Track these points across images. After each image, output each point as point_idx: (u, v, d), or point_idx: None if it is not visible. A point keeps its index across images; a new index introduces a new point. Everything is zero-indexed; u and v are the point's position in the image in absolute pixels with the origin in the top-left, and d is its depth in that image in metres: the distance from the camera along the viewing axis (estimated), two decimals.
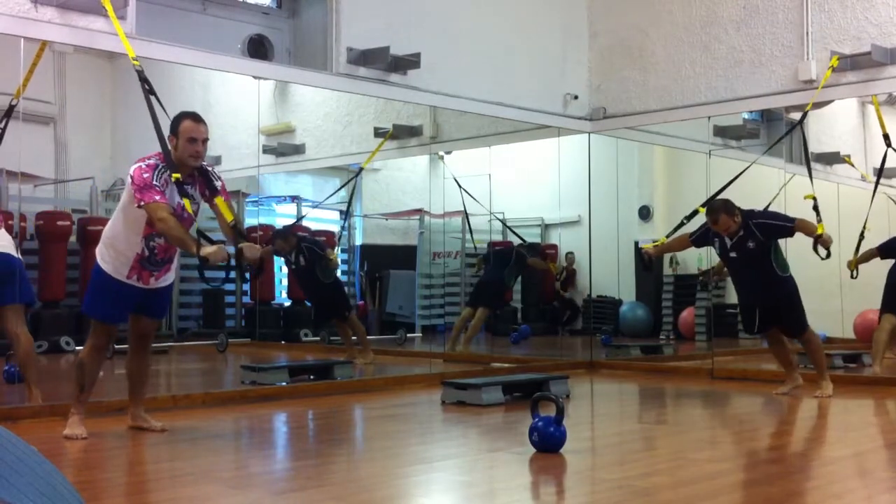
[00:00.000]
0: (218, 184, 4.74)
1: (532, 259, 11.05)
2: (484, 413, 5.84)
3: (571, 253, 12.03)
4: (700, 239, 6.80)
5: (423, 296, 12.04)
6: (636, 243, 11.96)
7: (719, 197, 6.76)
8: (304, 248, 8.85)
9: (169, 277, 4.90)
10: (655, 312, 11.98)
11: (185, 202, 4.55)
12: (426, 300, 12.07)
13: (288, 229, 8.98)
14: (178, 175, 4.51)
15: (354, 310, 10.05)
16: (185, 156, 4.58)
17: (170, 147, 4.61)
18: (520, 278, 11.52)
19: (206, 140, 4.64)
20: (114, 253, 4.71)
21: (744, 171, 7.17)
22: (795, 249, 6.90)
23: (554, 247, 12.36)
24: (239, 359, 9.30)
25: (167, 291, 4.99)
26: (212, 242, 4.51)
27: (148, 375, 5.13)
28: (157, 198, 4.42)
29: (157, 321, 5.12)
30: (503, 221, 10.68)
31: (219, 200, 4.67)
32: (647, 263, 7.29)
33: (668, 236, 7.10)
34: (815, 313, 7.18)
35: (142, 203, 4.43)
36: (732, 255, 6.52)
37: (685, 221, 7.05)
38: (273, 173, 10.87)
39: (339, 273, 10.17)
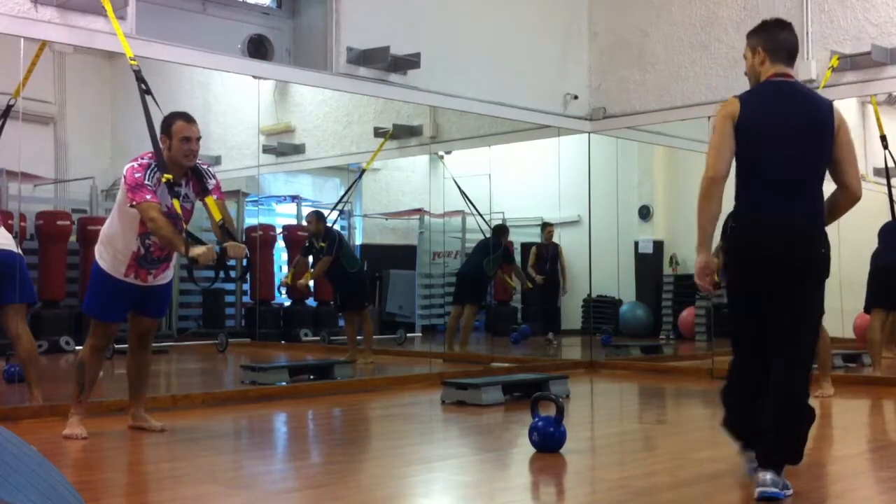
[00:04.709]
0: (211, 182, 4.72)
1: (514, 265, 10.93)
2: (484, 413, 5.84)
3: (551, 225, 11.18)
4: None
5: (423, 296, 12.04)
6: (636, 243, 11.98)
7: None
8: (331, 239, 8.82)
9: (167, 276, 4.91)
10: (655, 312, 11.98)
11: (175, 202, 4.55)
12: (426, 300, 12.08)
13: (322, 214, 9.01)
14: (169, 176, 4.51)
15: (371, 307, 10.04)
16: (179, 156, 4.59)
17: (162, 147, 4.62)
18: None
19: (198, 139, 4.67)
20: (112, 251, 4.72)
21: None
22: None
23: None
24: (239, 359, 9.31)
25: (166, 290, 4.99)
26: (202, 243, 4.50)
27: (148, 375, 5.13)
28: (149, 197, 4.44)
29: (156, 320, 5.12)
30: (471, 204, 10.49)
31: (209, 199, 4.67)
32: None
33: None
34: None
35: (133, 203, 4.45)
36: None
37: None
38: (273, 173, 10.88)
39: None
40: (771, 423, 3.42)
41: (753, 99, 3.65)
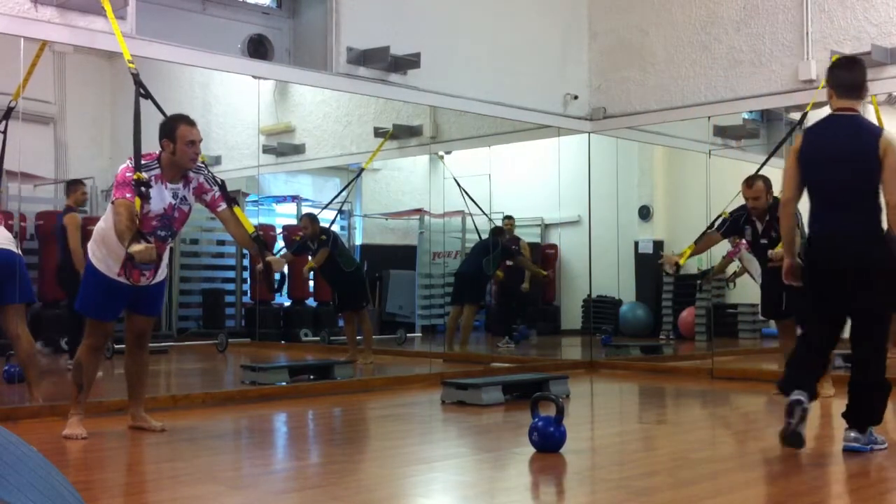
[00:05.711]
0: (216, 189, 4.75)
1: (522, 258, 10.81)
2: (484, 413, 5.84)
3: (510, 218, 10.74)
4: (730, 229, 6.83)
5: (423, 296, 12.04)
6: (636, 243, 11.97)
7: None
8: (327, 236, 8.83)
9: (160, 275, 4.90)
10: (655, 312, 11.97)
11: (136, 201, 4.51)
12: (426, 300, 12.07)
13: (314, 216, 9.03)
14: (140, 175, 4.52)
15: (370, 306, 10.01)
16: (185, 160, 4.61)
17: (165, 151, 4.63)
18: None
19: (201, 141, 4.72)
20: (105, 250, 4.72)
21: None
22: None
23: (554, 246, 12.35)
24: (239, 359, 9.31)
25: (159, 288, 4.97)
26: (148, 242, 4.48)
27: (146, 375, 5.13)
28: (128, 195, 4.48)
29: (151, 318, 5.11)
30: (475, 203, 10.41)
31: (237, 210, 4.69)
32: (677, 271, 7.30)
33: (696, 243, 7.08)
34: None
35: (113, 199, 4.48)
36: (763, 241, 6.60)
37: (708, 231, 7.05)
38: (273, 173, 10.88)
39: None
40: (849, 394, 4.38)
41: (815, 131, 4.54)
